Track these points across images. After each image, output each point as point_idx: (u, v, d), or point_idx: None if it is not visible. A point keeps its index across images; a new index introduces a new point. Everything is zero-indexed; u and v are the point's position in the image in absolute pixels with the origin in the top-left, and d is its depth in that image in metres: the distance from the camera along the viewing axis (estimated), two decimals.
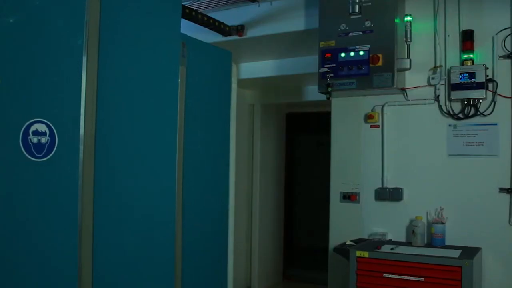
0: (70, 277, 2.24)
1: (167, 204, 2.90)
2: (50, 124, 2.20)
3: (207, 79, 3.61)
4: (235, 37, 4.77)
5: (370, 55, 3.80)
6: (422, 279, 3.21)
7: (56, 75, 2.25)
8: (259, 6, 4.64)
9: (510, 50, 3.61)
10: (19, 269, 2.12)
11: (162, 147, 2.85)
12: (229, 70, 3.91)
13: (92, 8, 2.32)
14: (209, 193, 3.67)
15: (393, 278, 3.31)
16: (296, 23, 4.48)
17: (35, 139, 2.20)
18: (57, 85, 2.25)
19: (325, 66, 3.97)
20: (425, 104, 3.91)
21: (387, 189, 3.99)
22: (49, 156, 2.20)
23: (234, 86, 3.97)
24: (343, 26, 3.93)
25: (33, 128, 2.19)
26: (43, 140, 2.21)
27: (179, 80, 3.08)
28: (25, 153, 2.17)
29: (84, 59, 2.28)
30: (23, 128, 2.17)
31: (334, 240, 4.18)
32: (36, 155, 2.20)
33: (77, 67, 2.27)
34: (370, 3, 3.83)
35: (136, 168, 2.64)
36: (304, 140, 8.25)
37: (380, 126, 4.08)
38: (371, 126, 4.12)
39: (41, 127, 2.20)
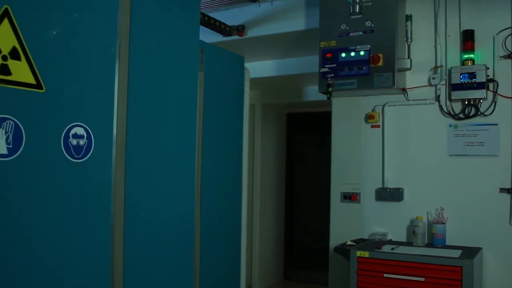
0: (104, 270, 2.49)
1: (187, 200, 3.16)
2: (88, 128, 2.40)
3: (222, 83, 3.83)
4: (235, 37, 4.77)
5: (371, 55, 3.80)
6: (422, 279, 3.20)
7: (92, 81, 2.44)
8: (259, 6, 4.64)
9: (510, 50, 3.61)
10: (56, 260, 2.27)
11: (184, 148, 3.10)
12: (242, 73, 4.11)
13: (123, 21, 2.57)
14: (225, 193, 3.88)
15: (394, 278, 3.31)
16: (297, 23, 4.48)
17: (74, 142, 2.36)
18: (93, 91, 2.45)
19: (326, 66, 3.97)
20: (425, 104, 3.91)
21: (388, 189, 3.98)
22: (86, 157, 2.40)
23: (246, 89, 4.17)
24: (343, 26, 3.92)
25: (73, 131, 2.35)
26: (82, 142, 2.39)
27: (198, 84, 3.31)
28: (66, 154, 2.31)
29: (116, 66, 2.52)
30: (64, 132, 2.31)
31: (335, 240, 4.18)
32: (75, 156, 2.37)
33: (110, 74, 2.51)
34: (370, 3, 3.83)
35: (161, 167, 2.89)
36: (304, 140, 8.27)
37: (381, 126, 4.08)
38: (372, 126, 4.12)
39: (80, 131, 2.38)
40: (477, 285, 3.24)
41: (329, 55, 3.96)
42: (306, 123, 7.78)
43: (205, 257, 3.51)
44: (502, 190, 3.61)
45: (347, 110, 4.23)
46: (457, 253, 3.34)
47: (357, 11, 3.86)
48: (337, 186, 4.26)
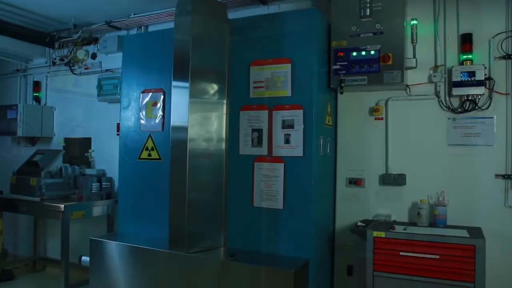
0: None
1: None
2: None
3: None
4: None
5: (381, 54, 4.14)
6: (437, 256, 3.57)
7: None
8: (268, 8, 4.85)
9: (506, 52, 4.04)
10: None
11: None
12: None
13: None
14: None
15: (410, 256, 3.67)
16: None
17: None
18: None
19: (338, 63, 4.28)
20: (426, 99, 4.31)
21: (392, 175, 4.37)
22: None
23: None
24: (354, 28, 4.25)
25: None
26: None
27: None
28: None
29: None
30: None
31: (340, 221, 4.58)
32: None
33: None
34: (380, 7, 4.17)
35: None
36: None
37: (384, 119, 4.46)
38: (376, 119, 4.49)
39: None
40: None
41: (341, 53, 4.28)
42: None
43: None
44: (497, 175, 4.06)
45: (352, 104, 4.58)
46: (464, 232, 3.74)
47: (368, 14, 4.19)
48: (343, 172, 4.63)
